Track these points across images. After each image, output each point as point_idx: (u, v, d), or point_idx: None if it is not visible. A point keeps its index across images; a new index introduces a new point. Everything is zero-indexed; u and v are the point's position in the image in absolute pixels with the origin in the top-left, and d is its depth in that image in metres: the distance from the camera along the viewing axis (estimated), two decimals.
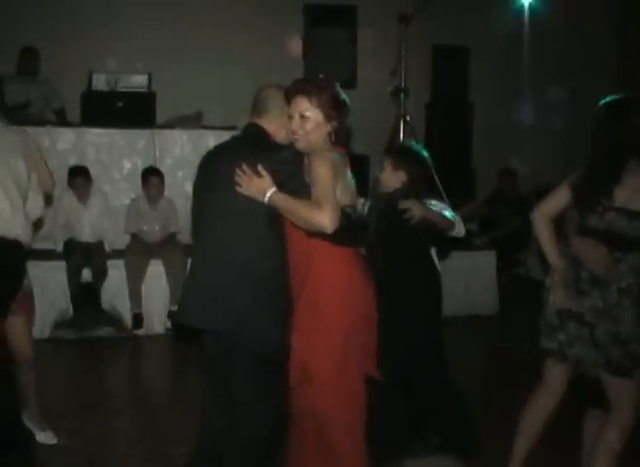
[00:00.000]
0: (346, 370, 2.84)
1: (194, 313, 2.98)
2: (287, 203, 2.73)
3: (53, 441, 3.93)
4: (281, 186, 2.76)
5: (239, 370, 2.95)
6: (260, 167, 2.77)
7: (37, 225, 4.16)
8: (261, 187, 2.76)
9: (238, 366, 2.94)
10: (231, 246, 2.87)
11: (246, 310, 2.84)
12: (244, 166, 2.79)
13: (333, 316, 2.80)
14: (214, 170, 2.99)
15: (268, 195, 2.74)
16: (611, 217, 2.90)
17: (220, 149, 3.10)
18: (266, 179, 2.76)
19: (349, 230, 2.80)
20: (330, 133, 2.85)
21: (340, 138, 2.88)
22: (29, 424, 3.87)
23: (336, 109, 2.84)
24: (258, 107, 2.99)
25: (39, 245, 6.28)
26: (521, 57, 9.49)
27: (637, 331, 2.93)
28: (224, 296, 2.86)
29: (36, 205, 3.63)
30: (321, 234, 2.71)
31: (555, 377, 3.21)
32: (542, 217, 3.10)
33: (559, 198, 3.08)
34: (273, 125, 2.96)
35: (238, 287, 2.85)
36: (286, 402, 2.97)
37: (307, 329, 2.82)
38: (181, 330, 3.11)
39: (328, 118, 2.83)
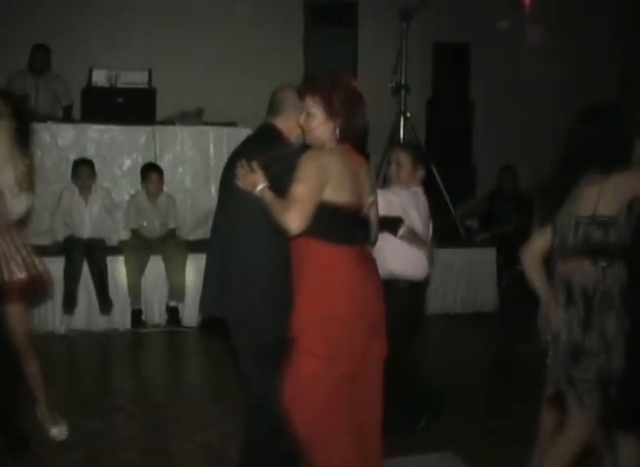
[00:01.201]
0: (326, 369, 2.78)
1: (204, 303, 3.13)
2: (268, 200, 2.78)
3: (64, 436, 3.93)
4: (271, 181, 2.81)
5: (243, 363, 3.03)
6: (253, 163, 2.84)
7: (23, 222, 4.16)
8: (253, 182, 2.83)
9: (242, 359, 3.03)
10: (235, 240, 2.97)
11: (246, 304, 2.92)
12: (243, 162, 2.86)
13: (308, 314, 2.79)
14: (227, 168, 3.09)
15: (257, 190, 2.81)
16: (585, 229, 2.88)
17: (237, 149, 3.18)
18: (258, 174, 2.82)
19: (339, 228, 2.79)
20: (335, 130, 2.85)
21: (347, 136, 2.87)
22: (41, 419, 3.91)
23: (340, 107, 2.83)
24: (273, 107, 3.08)
25: (40, 241, 6.31)
26: (522, 54, 9.48)
27: (608, 344, 2.88)
28: (227, 289, 2.97)
29: (19, 203, 3.63)
30: (305, 232, 2.71)
31: None
32: (530, 256, 3.08)
33: (544, 235, 3.04)
34: (288, 125, 3.03)
35: (239, 280, 2.93)
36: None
37: (294, 326, 2.81)
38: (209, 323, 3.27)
39: (331, 115, 2.83)
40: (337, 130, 2.84)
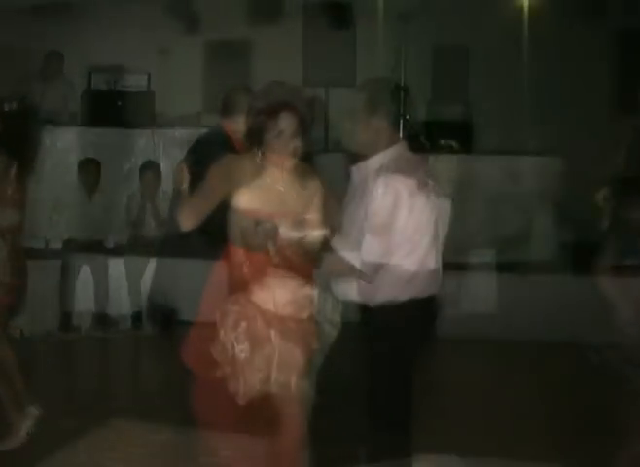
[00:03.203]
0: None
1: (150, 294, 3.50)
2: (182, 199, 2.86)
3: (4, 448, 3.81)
4: (192, 183, 2.86)
5: None
6: (181, 164, 2.97)
7: None
8: (179, 181, 2.92)
9: None
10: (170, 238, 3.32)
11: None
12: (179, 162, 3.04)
13: (200, 308, 2.90)
14: None
15: (181, 190, 2.91)
16: None
17: None
18: (182, 174, 2.90)
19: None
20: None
21: (251, 141, 2.83)
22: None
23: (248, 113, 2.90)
24: (224, 108, 3.27)
25: (34, 244, 6.32)
26: (521, 57, 9.48)
27: None
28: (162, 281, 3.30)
29: None
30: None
31: None
32: None
33: None
34: (239, 127, 3.10)
35: (169, 275, 3.29)
36: None
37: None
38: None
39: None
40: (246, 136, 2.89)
